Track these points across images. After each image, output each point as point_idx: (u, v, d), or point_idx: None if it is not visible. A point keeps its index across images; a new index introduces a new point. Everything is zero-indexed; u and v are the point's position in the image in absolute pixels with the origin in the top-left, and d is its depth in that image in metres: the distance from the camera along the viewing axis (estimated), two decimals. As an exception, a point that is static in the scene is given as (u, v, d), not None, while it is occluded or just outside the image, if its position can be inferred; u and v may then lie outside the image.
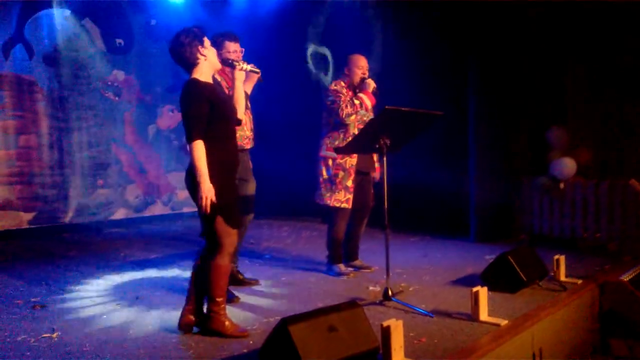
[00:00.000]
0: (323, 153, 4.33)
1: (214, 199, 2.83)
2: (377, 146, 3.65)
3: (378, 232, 4.19)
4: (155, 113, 7.60)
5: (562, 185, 5.40)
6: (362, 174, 4.39)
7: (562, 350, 3.44)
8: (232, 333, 3.00)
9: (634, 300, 3.83)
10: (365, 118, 4.29)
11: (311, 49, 7.49)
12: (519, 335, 3.03)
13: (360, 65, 4.32)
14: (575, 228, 5.32)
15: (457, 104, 5.82)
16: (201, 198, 2.81)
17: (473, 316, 3.21)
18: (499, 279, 3.79)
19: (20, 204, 6.40)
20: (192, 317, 3.11)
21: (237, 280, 4.09)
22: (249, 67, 3.29)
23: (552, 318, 3.35)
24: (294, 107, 7.45)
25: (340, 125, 4.25)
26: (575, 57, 5.53)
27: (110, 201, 7.19)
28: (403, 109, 3.51)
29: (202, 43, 3.00)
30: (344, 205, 4.28)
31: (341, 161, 4.26)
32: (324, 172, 4.31)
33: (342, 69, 4.46)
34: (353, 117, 4.20)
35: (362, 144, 3.83)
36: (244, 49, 3.88)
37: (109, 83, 7.18)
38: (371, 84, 4.26)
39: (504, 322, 3.13)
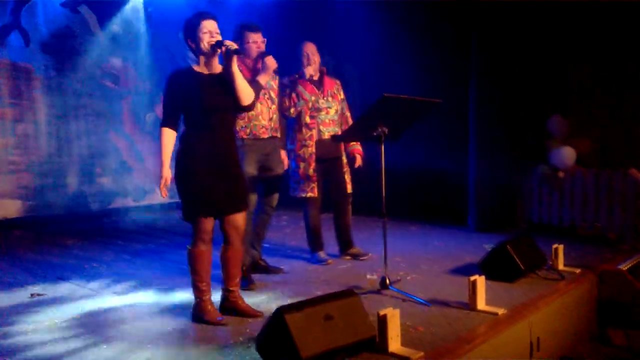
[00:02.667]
0: (289, 147, 4.37)
1: (168, 181, 2.97)
2: (375, 134, 3.62)
3: (376, 220, 4.18)
4: (153, 101, 7.55)
5: (561, 175, 5.38)
6: (325, 161, 4.38)
7: (560, 339, 3.44)
8: (210, 319, 3.03)
9: (633, 290, 3.83)
10: (320, 104, 4.29)
11: None
12: (517, 324, 3.02)
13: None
14: (575, 217, 5.31)
15: (457, 91, 5.78)
16: (160, 178, 2.97)
17: (470, 305, 3.20)
18: (497, 268, 3.78)
19: (18, 193, 6.37)
20: (227, 303, 3.18)
21: (260, 268, 4.11)
22: (234, 46, 2.97)
23: (550, 307, 3.34)
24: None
25: (295, 116, 4.30)
26: (578, 46, 5.49)
27: (109, 190, 7.17)
28: (401, 96, 3.47)
29: (190, 34, 3.00)
30: (309, 194, 4.32)
31: (300, 152, 4.29)
32: (291, 165, 4.35)
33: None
34: (292, 110, 4.22)
35: (360, 132, 3.80)
36: (265, 39, 3.85)
37: (107, 70, 7.13)
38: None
39: (501, 311, 3.12)
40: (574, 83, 5.58)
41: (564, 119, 5.44)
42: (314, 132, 4.32)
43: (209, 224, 3.01)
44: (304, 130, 4.28)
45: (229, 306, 3.16)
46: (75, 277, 4.17)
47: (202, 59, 3.04)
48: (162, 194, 2.98)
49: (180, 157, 2.99)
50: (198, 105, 2.95)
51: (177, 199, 3.11)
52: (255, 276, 3.99)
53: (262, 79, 3.62)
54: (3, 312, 3.35)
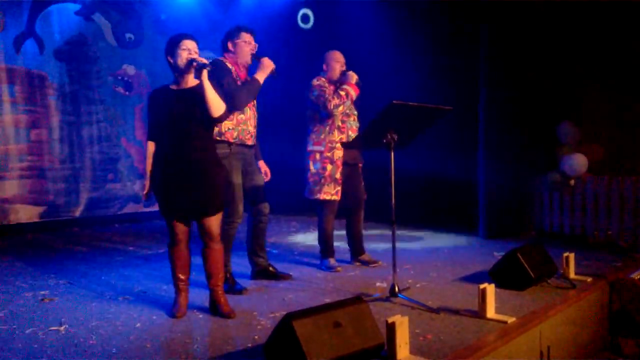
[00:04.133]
0: (310, 148, 4.37)
1: (146, 191, 3.33)
2: (384, 141, 3.63)
3: (386, 227, 4.17)
4: (165, 108, 7.62)
5: (572, 182, 5.34)
6: (349, 166, 4.40)
7: (571, 348, 3.41)
8: (173, 312, 3.29)
9: (645, 299, 3.79)
10: (348, 111, 4.35)
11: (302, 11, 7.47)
12: (527, 333, 3.00)
13: (338, 59, 4.38)
14: (586, 225, 5.27)
15: (467, 98, 5.78)
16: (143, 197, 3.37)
17: (480, 313, 3.18)
18: (507, 276, 3.76)
19: (31, 198, 6.46)
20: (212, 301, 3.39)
21: (269, 274, 4.11)
22: (204, 61, 3.15)
23: (560, 316, 3.31)
24: (304, 103, 7.42)
25: (326, 118, 4.31)
26: (589, 52, 5.46)
27: (120, 195, 7.23)
28: (410, 103, 3.47)
29: (170, 52, 3.20)
30: (333, 197, 4.32)
31: (328, 154, 4.29)
32: (312, 167, 4.35)
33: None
34: (341, 107, 4.25)
35: (369, 139, 3.81)
36: (257, 45, 3.92)
37: (120, 77, 7.21)
38: (353, 76, 4.32)
39: (511, 320, 3.10)
40: (585, 89, 5.56)
41: (575, 126, 5.41)
42: (344, 136, 4.35)
43: (179, 227, 3.27)
44: (336, 133, 4.28)
45: (212, 303, 3.37)
46: (86, 281, 4.21)
47: (177, 75, 3.23)
48: (143, 198, 3.40)
49: (152, 168, 3.29)
50: (164, 119, 3.19)
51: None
52: (264, 282, 4.01)
53: (260, 77, 3.69)
54: (15, 315, 3.39)
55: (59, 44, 6.68)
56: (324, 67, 4.41)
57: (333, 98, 4.22)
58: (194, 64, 3.15)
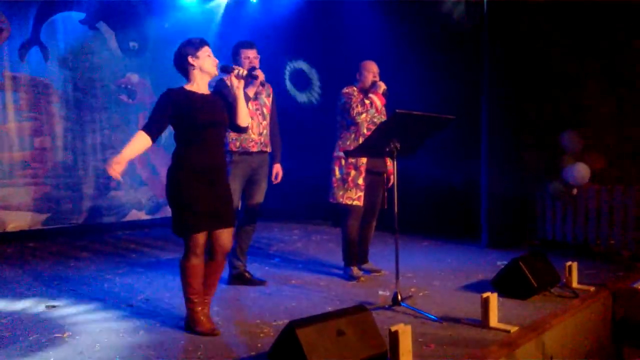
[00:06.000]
0: (336, 153, 4.44)
1: (116, 172, 2.90)
2: (387, 150, 3.65)
3: (388, 236, 4.18)
4: (168, 116, 7.65)
5: (575, 191, 5.34)
6: (372, 174, 4.42)
7: (574, 358, 3.40)
8: (202, 330, 3.09)
9: (648, 308, 3.78)
10: (375, 119, 4.39)
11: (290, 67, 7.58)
12: (529, 342, 3.00)
13: (371, 69, 4.47)
14: (588, 234, 5.26)
15: (469, 106, 5.79)
16: (108, 165, 2.93)
17: (483, 322, 3.19)
18: (510, 285, 3.77)
19: (34, 205, 6.46)
20: None
21: (245, 279, 4.21)
22: (244, 72, 3.27)
23: (563, 325, 3.31)
24: (306, 110, 7.46)
25: (351, 125, 4.37)
26: (592, 60, 5.47)
27: (123, 203, 7.24)
28: (414, 112, 3.50)
29: (192, 53, 3.12)
30: (355, 202, 4.34)
31: (353, 160, 4.35)
32: (337, 172, 4.40)
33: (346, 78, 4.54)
34: (363, 115, 4.31)
35: (372, 148, 3.83)
36: (259, 56, 4.08)
37: (123, 85, 7.25)
38: (382, 86, 4.41)
39: (514, 329, 3.10)
40: (588, 98, 5.56)
41: (578, 135, 5.42)
42: None
43: (202, 238, 3.07)
44: (361, 140, 4.26)
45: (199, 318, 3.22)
46: (90, 289, 4.21)
47: (198, 78, 3.16)
48: (112, 173, 2.93)
49: (174, 173, 3.07)
50: (193, 122, 3.07)
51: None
52: (266, 290, 4.01)
53: (250, 91, 3.76)
54: (18, 322, 3.39)
55: (63, 52, 6.71)
56: (357, 75, 4.49)
57: (357, 106, 4.29)
58: (236, 71, 3.22)
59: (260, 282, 4.25)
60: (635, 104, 5.31)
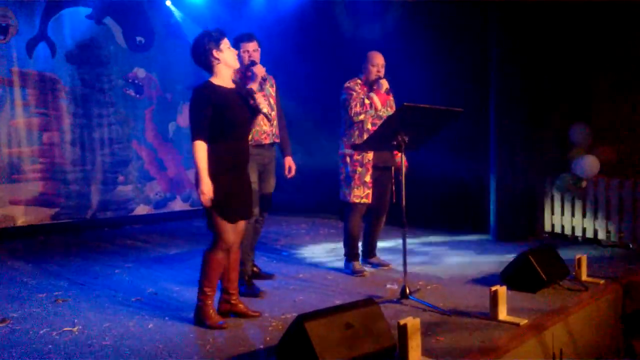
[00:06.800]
0: (342, 151, 4.39)
1: (211, 195, 2.99)
2: (395, 143, 3.63)
3: (396, 230, 4.18)
4: (175, 110, 7.65)
5: (584, 184, 5.31)
6: (379, 169, 4.38)
7: (583, 351, 3.39)
8: (211, 324, 3.13)
9: (659, 301, 3.76)
10: (381, 113, 4.30)
11: None
12: (539, 335, 2.99)
13: (375, 62, 4.33)
14: (598, 227, 5.23)
15: (478, 99, 5.75)
16: (200, 194, 3.00)
17: (492, 315, 3.18)
18: (519, 278, 3.75)
19: (43, 200, 6.50)
20: (227, 306, 3.32)
21: (253, 274, 4.16)
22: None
23: (572, 318, 3.29)
24: (315, 105, 7.43)
25: (355, 121, 4.28)
26: (602, 54, 5.42)
27: (131, 197, 7.26)
28: (421, 105, 3.47)
29: (216, 46, 3.10)
30: (363, 200, 4.31)
31: (358, 157, 4.28)
32: (343, 170, 4.36)
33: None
34: (362, 116, 4.23)
35: (379, 142, 3.81)
36: (259, 49, 4.01)
37: (130, 80, 7.26)
38: (384, 85, 4.29)
39: (523, 322, 3.09)
40: (597, 91, 5.51)
41: (587, 127, 5.38)
42: None
43: (233, 231, 3.16)
44: (365, 136, 4.17)
45: (228, 309, 3.31)
46: (99, 283, 4.23)
47: (223, 71, 3.14)
48: (206, 204, 3.02)
49: (215, 169, 3.04)
50: (232, 120, 3.08)
51: (197, 207, 3.18)
52: (274, 284, 4.01)
53: (252, 86, 3.73)
54: (29, 316, 3.42)
55: (70, 48, 6.73)
56: (363, 66, 4.38)
57: (356, 105, 4.20)
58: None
59: (269, 276, 4.26)
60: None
